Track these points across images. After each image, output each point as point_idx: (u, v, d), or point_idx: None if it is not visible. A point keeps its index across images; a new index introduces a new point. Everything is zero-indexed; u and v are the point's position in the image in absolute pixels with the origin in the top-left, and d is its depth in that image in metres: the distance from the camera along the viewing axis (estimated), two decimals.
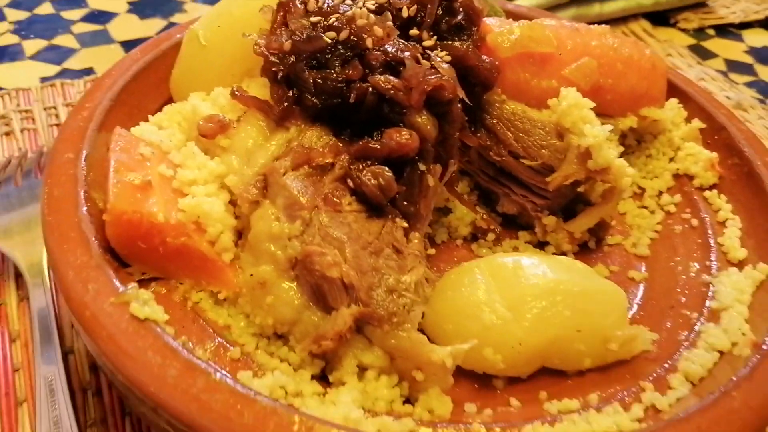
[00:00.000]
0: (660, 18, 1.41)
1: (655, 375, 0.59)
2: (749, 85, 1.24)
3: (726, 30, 1.42)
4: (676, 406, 0.55)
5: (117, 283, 0.54)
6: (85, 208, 0.58)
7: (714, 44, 1.37)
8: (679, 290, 0.69)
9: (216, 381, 0.48)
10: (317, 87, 0.61)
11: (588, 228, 0.73)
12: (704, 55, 1.32)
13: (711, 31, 1.41)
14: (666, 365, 0.60)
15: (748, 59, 1.33)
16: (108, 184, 0.58)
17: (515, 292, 0.60)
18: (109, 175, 0.58)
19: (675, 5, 1.42)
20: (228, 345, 0.56)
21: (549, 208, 0.73)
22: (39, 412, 0.61)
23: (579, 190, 0.71)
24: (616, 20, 1.36)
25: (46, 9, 1.27)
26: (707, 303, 0.66)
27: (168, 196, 0.60)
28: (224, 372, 0.49)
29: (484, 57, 0.68)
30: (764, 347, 0.56)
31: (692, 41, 1.37)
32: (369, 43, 0.61)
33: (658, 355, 0.61)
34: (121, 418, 0.64)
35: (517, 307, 0.59)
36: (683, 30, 1.40)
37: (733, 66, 1.30)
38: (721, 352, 0.59)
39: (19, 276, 0.76)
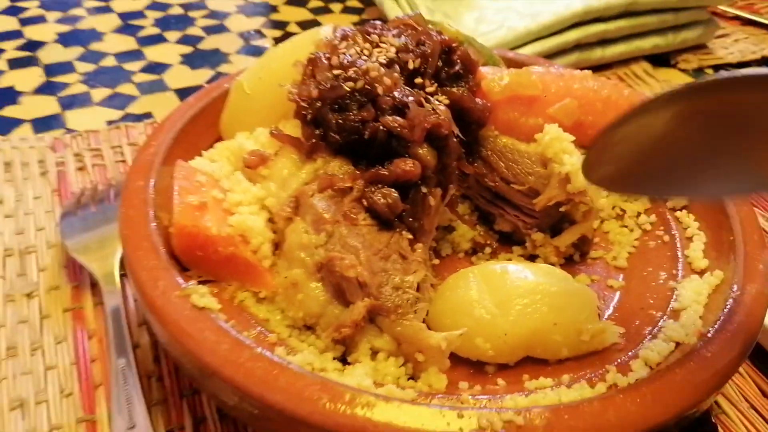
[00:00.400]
0: (660, 60, 1.52)
1: (619, 361, 0.69)
2: None
3: (724, 69, 1.53)
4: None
5: (180, 280, 0.67)
6: (153, 224, 0.72)
7: None
8: (648, 295, 0.79)
9: (258, 353, 0.60)
10: (339, 126, 0.73)
11: (572, 243, 0.85)
12: None
13: (710, 71, 1.51)
14: (630, 354, 0.70)
15: None
16: (172, 204, 0.72)
17: (502, 292, 0.71)
18: (173, 198, 0.72)
19: (675, 48, 1.52)
20: (267, 333, 0.69)
21: (538, 226, 0.84)
22: (115, 392, 0.73)
23: (562, 210, 0.82)
24: (618, 62, 1.47)
25: (110, 62, 1.43)
26: (671, 304, 0.76)
27: (219, 214, 0.73)
28: (264, 348, 0.62)
29: (477, 100, 0.81)
30: (708, 335, 0.67)
31: (691, 80, 1.48)
32: (380, 90, 0.73)
33: (625, 346, 0.71)
34: (179, 398, 0.77)
35: (503, 305, 0.70)
36: (683, 70, 1.51)
37: None
38: (677, 343, 0.69)
39: (93, 285, 0.90)
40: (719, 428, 0.74)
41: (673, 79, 1.47)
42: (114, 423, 0.71)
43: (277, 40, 1.55)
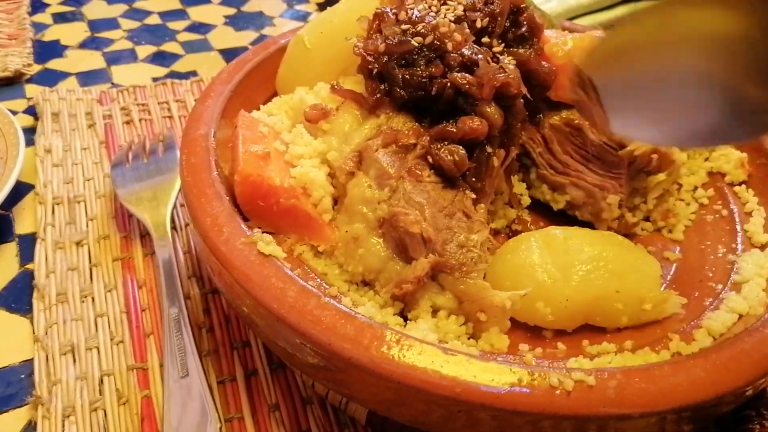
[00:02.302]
0: None
1: (682, 330, 0.69)
2: None
3: None
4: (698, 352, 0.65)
5: (245, 228, 0.67)
6: (215, 172, 0.72)
7: None
8: (707, 268, 0.78)
9: (325, 302, 0.60)
10: (405, 82, 0.72)
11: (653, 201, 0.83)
12: None
13: None
14: (692, 323, 0.69)
15: None
16: (236, 152, 0.71)
17: (564, 257, 0.70)
18: (237, 146, 0.72)
19: None
20: (326, 285, 0.69)
21: (616, 190, 0.83)
22: (167, 341, 0.73)
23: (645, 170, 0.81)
24: None
25: (154, 20, 1.43)
26: (732, 277, 0.75)
27: (282, 165, 0.72)
28: (330, 297, 0.61)
29: (543, 63, 0.79)
30: None
31: None
32: (449, 46, 0.72)
33: (686, 316, 0.71)
34: (230, 349, 0.77)
35: (565, 269, 0.69)
36: None
37: None
38: (740, 315, 0.68)
39: (143, 236, 0.90)
40: None
41: None
42: (166, 371, 0.71)
43: (321, 6, 1.53)
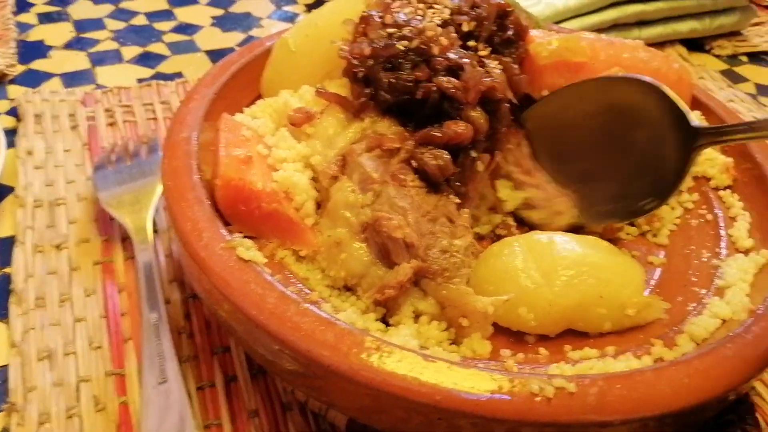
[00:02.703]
0: (695, 44, 1.50)
1: (664, 335, 0.68)
2: None
3: (759, 57, 1.50)
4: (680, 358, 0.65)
5: (225, 233, 0.66)
6: (197, 176, 0.71)
7: (746, 70, 1.45)
8: (691, 272, 0.77)
9: (305, 308, 0.59)
10: (390, 86, 0.72)
11: None
12: (736, 79, 1.41)
13: (744, 58, 1.49)
14: (675, 329, 0.69)
15: None
16: (218, 156, 0.70)
17: (548, 261, 0.69)
18: (219, 150, 0.71)
19: (711, 33, 1.50)
20: (307, 291, 0.68)
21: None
22: (146, 347, 0.72)
23: None
24: (653, 45, 1.45)
25: (140, 20, 1.41)
26: (715, 281, 0.74)
27: (264, 169, 0.71)
28: (311, 303, 0.61)
29: (516, 69, 0.78)
30: (759, 312, 0.66)
31: (725, 66, 1.46)
32: (435, 50, 0.71)
33: (669, 321, 0.70)
34: (210, 355, 0.76)
35: (548, 275, 0.68)
36: (717, 56, 1.49)
37: (763, 90, 1.38)
38: (723, 320, 0.68)
39: (124, 239, 0.89)
40: (756, 410, 0.72)
41: (708, 64, 1.46)
42: (144, 377, 0.70)
43: (309, 7, 1.53)
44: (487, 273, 0.71)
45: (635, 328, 0.71)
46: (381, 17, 0.76)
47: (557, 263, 0.70)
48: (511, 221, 0.82)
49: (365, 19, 0.77)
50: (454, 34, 0.73)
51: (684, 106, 0.76)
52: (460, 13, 0.77)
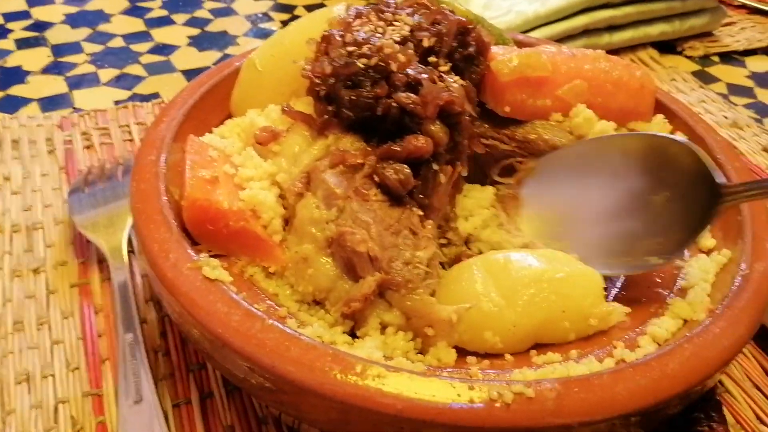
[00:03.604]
0: (667, 46, 1.52)
1: (626, 338, 0.70)
2: (748, 106, 1.35)
3: (730, 57, 1.52)
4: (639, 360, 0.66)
5: (192, 253, 0.68)
6: (165, 198, 0.72)
7: (717, 70, 1.47)
8: (655, 273, 0.79)
9: (269, 324, 0.60)
10: (352, 103, 0.73)
11: None
12: (707, 80, 1.43)
13: (715, 58, 1.51)
14: (637, 330, 0.70)
15: (749, 83, 1.43)
16: (184, 178, 0.72)
17: (507, 282, 0.69)
18: (185, 171, 0.72)
19: (681, 35, 1.52)
20: (276, 307, 0.69)
21: None
22: (122, 367, 0.74)
23: None
24: (625, 48, 1.47)
25: (117, 43, 1.43)
26: (678, 282, 0.76)
27: (231, 189, 0.73)
28: (275, 319, 0.62)
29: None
30: (717, 312, 0.67)
31: (697, 67, 1.48)
32: (394, 67, 0.72)
33: (631, 324, 0.71)
34: (186, 372, 0.77)
35: (510, 296, 0.69)
36: (689, 57, 1.51)
37: (734, 89, 1.40)
38: (685, 320, 0.70)
39: (100, 261, 0.91)
40: (723, 406, 0.74)
41: (680, 65, 1.48)
42: (120, 397, 0.71)
43: (285, 23, 1.54)
44: (448, 299, 0.70)
45: (599, 331, 0.72)
46: (342, 36, 0.77)
47: (516, 282, 0.70)
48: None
49: (326, 38, 0.78)
50: (412, 51, 0.75)
51: (711, 163, 0.74)
52: (421, 29, 0.79)
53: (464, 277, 0.72)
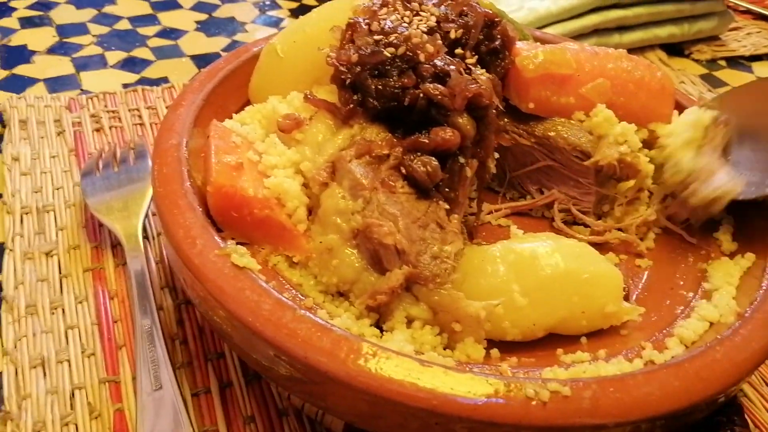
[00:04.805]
0: (675, 49, 1.52)
1: (654, 339, 0.70)
2: None
3: (737, 61, 1.53)
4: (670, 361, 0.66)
5: (219, 240, 0.66)
6: (188, 183, 0.71)
7: (725, 74, 1.48)
8: (678, 276, 0.79)
9: (300, 314, 0.59)
10: (378, 92, 0.72)
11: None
12: (715, 83, 1.43)
13: (723, 62, 1.52)
14: (664, 332, 0.70)
15: None
16: (209, 163, 0.70)
17: (531, 279, 0.69)
18: (210, 157, 0.71)
19: (689, 38, 1.53)
20: (301, 297, 0.68)
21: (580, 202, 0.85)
22: (140, 353, 0.72)
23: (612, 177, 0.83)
24: (633, 50, 1.47)
25: (124, 25, 1.41)
26: (702, 285, 0.76)
27: (255, 176, 0.72)
28: (306, 309, 0.61)
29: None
30: (746, 315, 0.67)
31: (704, 71, 1.48)
32: (422, 57, 0.72)
33: (658, 324, 0.72)
34: (204, 361, 0.76)
35: (532, 293, 0.68)
36: (696, 60, 1.52)
37: None
38: (711, 323, 0.70)
39: (114, 246, 0.89)
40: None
41: (687, 68, 1.48)
42: (139, 384, 0.70)
43: (292, 11, 1.53)
44: (470, 291, 0.69)
45: (626, 331, 0.72)
46: (368, 24, 0.76)
47: (541, 279, 0.69)
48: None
49: (352, 26, 0.77)
50: (440, 42, 0.74)
51: None
52: (447, 20, 0.78)
53: (488, 270, 0.71)
